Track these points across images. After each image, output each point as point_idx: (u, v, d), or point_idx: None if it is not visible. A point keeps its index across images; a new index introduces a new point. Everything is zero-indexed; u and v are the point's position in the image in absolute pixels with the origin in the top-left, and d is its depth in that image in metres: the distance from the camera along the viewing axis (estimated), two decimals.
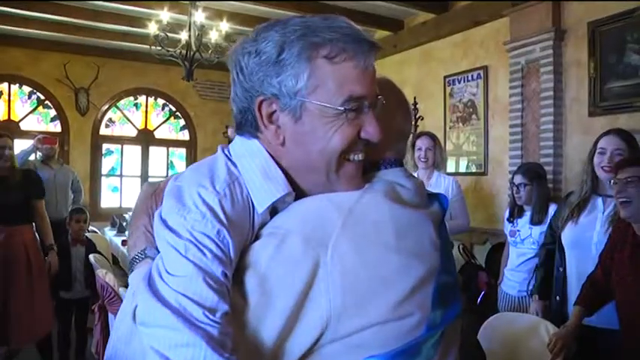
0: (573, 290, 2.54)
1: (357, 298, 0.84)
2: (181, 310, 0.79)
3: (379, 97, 0.94)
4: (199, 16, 4.98)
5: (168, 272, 0.83)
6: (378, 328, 0.85)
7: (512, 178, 3.48)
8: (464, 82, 5.65)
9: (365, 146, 0.93)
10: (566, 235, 2.70)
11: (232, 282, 0.85)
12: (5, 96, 7.61)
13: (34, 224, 4.08)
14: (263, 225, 0.92)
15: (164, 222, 0.88)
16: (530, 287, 3.09)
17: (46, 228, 4.12)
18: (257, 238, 0.91)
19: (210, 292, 0.80)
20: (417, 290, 0.88)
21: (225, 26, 5.44)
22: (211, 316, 0.79)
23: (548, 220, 3.15)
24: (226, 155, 0.96)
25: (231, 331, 0.80)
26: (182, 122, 8.63)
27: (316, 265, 0.83)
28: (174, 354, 0.77)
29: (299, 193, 0.95)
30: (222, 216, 0.85)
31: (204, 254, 0.83)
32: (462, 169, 5.60)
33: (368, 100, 0.91)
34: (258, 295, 0.84)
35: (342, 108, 0.88)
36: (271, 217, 0.93)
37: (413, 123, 5.64)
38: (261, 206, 0.90)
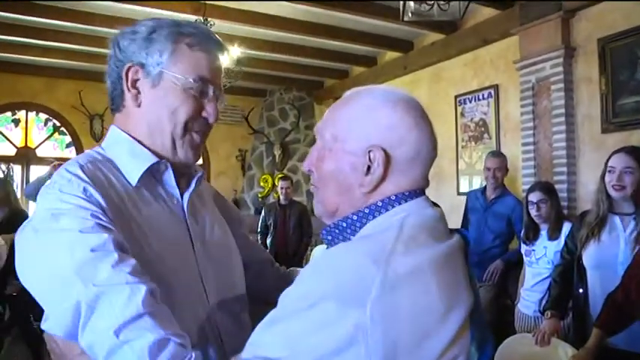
0: (597, 311, 2.49)
1: (402, 355, 0.77)
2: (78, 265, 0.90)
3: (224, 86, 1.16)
4: None
5: (51, 264, 0.92)
6: None
7: (528, 196, 3.45)
8: (475, 101, 5.65)
9: (205, 127, 1.13)
10: (589, 255, 2.63)
11: (261, 342, 0.84)
12: (22, 123, 7.75)
13: None
14: (142, 191, 1.08)
15: (33, 227, 0.98)
16: (544, 303, 3.03)
17: None
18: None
19: (94, 234, 0.92)
20: (461, 334, 0.81)
21: (236, 51, 5.51)
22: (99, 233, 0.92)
23: (563, 238, 3.12)
24: (95, 150, 1.14)
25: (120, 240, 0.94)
26: None
27: (355, 330, 0.76)
28: (85, 286, 0.88)
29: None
30: (85, 177, 1.01)
31: (68, 203, 0.96)
32: (476, 188, 5.57)
33: (213, 87, 1.12)
34: (287, 355, 0.79)
35: (192, 80, 1.08)
36: (162, 185, 1.13)
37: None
38: (133, 179, 1.08)
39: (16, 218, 4.14)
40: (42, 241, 0.94)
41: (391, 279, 0.78)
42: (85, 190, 0.98)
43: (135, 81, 1.10)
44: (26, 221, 1.00)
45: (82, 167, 1.03)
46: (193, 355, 0.87)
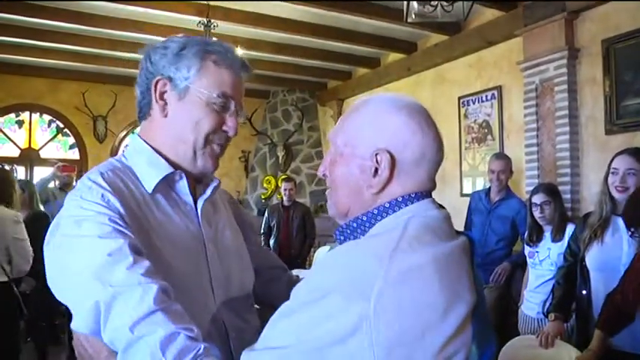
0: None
1: (404, 347, 0.81)
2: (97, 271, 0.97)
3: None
4: None
5: (73, 270, 0.99)
6: None
7: (531, 198, 3.45)
8: (478, 102, 5.65)
9: (225, 140, 1.21)
10: (592, 256, 2.62)
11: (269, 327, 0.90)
12: (26, 124, 7.78)
13: None
14: (158, 198, 1.15)
15: (59, 233, 1.05)
16: (547, 306, 3.02)
17: None
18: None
19: (111, 239, 0.99)
20: (461, 330, 0.84)
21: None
22: (118, 249, 0.99)
23: (566, 240, 3.11)
24: (117, 159, 1.22)
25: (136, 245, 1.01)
26: None
27: (359, 321, 0.80)
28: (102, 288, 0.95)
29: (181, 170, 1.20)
30: (105, 184, 1.08)
31: (88, 209, 1.03)
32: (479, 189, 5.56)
33: (235, 102, 1.19)
34: (294, 343, 0.84)
35: (215, 95, 1.15)
36: (173, 189, 1.20)
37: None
38: (149, 186, 1.16)
39: (38, 220, 4.19)
40: (66, 247, 1.03)
41: (394, 274, 0.82)
42: (103, 196, 1.06)
43: (163, 93, 1.18)
44: (52, 227, 1.07)
45: (102, 175, 1.11)
46: (202, 346, 0.92)
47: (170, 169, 1.18)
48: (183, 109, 1.16)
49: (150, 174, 1.17)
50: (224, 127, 1.19)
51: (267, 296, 1.39)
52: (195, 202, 1.23)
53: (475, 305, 0.87)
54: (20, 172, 7.41)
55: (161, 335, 0.90)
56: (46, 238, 1.07)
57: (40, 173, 7.06)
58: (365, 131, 0.99)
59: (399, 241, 0.86)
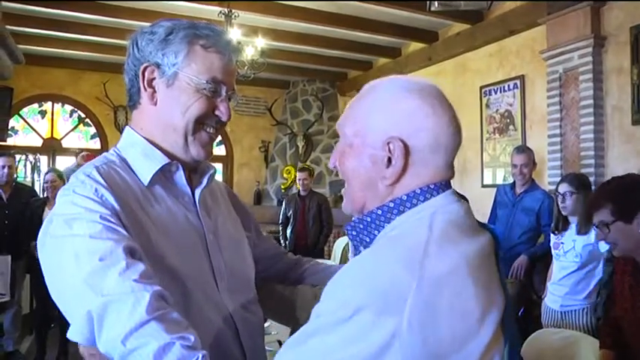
0: None
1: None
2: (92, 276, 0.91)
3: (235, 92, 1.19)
4: (235, 33, 5.03)
5: (64, 270, 0.94)
6: None
7: (557, 187, 3.39)
8: (500, 92, 5.57)
9: (218, 124, 1.17)
10: None
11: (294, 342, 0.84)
12: (49, 115, 7.89)
13: None
14: (155, 190, 1.12)
15: (49, 234, 1.00)
16: (598, 310, 2.97)
17: None
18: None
19: (103, 240, 0.94)
20: (497, 335, 0.79)
21: (260, 42, 5.51)
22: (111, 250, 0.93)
23: (592, 234, 3.05)
24: (111, 152, 1.18)
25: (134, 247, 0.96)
26: (218, 137, 8.73)
27: (390, 338, 0.74)
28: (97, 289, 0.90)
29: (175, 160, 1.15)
30: (99, 179, 1.04)
31: (79, 206, 0.99)
32: (499, 181, 5.50)
33: (226, 88, 1.15)
34: None
35: (205, 81, 1.11)
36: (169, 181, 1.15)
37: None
38: (145, 179, 1.12)
39: None
40: (56, 249, 0.98)
41: (427, 283, 0.76)
42: (96, 191, 1.02)
43: (151, 80, 1.13)
44: (45, 225, 1.02)
45: (97, 168, 1.08)
46: (200, 355, 0.87)
47: (166, 160, 1.14)
48: (173, 95, 1.12)
49: (145, 166, 1.13)
50: (216, 112, 1.15)
51: (267, 280, 1.38)
52: (193, 193, 1.19)
53: (505, 306, 0.82)
54: (43, 162, 7.53)
55: (154, 347, 0.85)
56: (39, 237, 1.02)
57: (62, 163, 7.15)
58: (374, 119, 0.91)
59: (427, 245, 0.80)
